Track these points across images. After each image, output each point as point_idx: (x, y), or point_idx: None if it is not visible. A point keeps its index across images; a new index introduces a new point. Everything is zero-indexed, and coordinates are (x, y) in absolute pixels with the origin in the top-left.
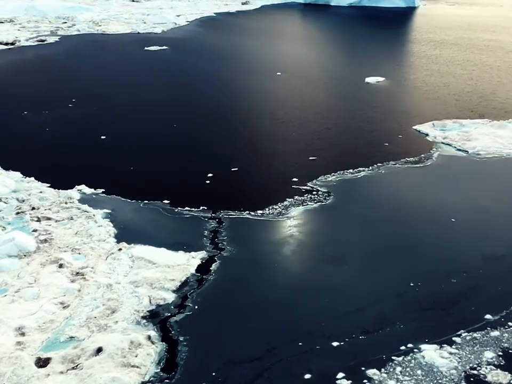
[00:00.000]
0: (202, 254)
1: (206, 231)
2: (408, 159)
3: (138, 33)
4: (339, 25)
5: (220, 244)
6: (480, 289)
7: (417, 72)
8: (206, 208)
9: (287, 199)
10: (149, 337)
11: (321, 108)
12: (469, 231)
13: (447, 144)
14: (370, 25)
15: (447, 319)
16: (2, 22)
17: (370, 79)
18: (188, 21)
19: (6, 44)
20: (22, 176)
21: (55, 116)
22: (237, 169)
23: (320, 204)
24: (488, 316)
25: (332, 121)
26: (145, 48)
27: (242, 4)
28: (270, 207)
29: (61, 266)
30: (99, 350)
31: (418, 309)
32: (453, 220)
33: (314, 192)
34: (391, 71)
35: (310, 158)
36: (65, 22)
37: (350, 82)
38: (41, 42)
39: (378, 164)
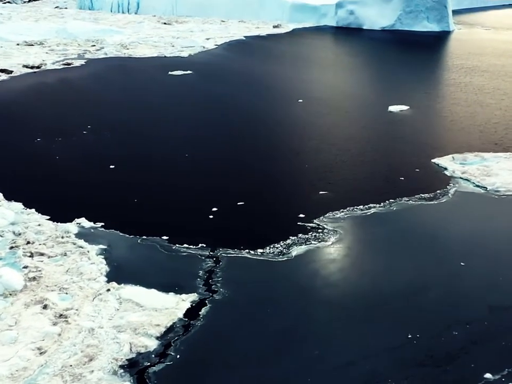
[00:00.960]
0: (193, 296)
1: (201, 271)
2: (422, 195)
3: (165, 56)
4: (369, 50)
5: (213, 286)
6: (483, 344)
7: (444, 100)
8: (205, 245)
9: (291, 237)
10: None
11: (339, 139)
12: (478, 277)
13: (466, 179)
14: (401, 50)
15: (443, 377)
16: (32, 45)
17: (393, 108)
18: (216, 45)
19: (32, 67)
20: (23, 207)
21: (67, 143)
22: (243, 203)
23: (323, 243)
24: (488, 375)
25: (348, 153)
26: (169, 72)
27: (274, 27)
28: (272, 246)
29: (45, 307)
30: None
31: (413, 364)
32: (462, 263)
33: (319, 230)
34: (417, 99)
35: (321, 192)
36: (94, 45)
37: (372, 111)
38: (66, 66)
39: (391, 200)
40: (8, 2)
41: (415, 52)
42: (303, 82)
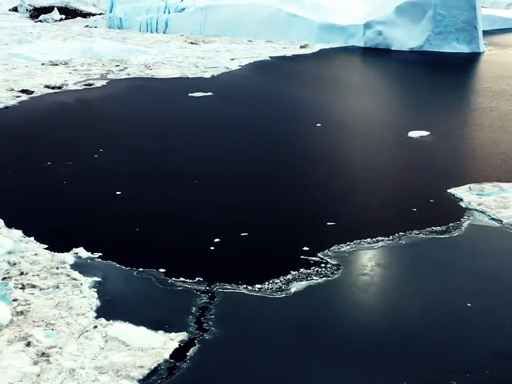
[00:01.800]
0: (182, 335)
1: (194, 307)
2: (434, 228)
3: (187, 77)
4: (396, 71)
5: (204, 324)
6: None
7: (467, 126)
8: (202, 279)
9: (292, 271)
10: None
11: (353, 165)
12: (483, 320)
13: (481, 211)
14: (428, 72)
15: None
16: (57, 65)
17: (413, 133)
18: (240, 65)
19: (53, 87)
20: (23, 235)
21: (77, 168)
22: (247, 234)
23: (325, 279)
24: None
25: (361, 182)
26: (189, 94)
27: (301, 47)
28: (271, 281)
29: (28, 344)
30: None
31: None
32: (468, 304)
33: (322, 265)
34: (439, 124)
35: (328, 223)
36: (118, 65)
37: (391, 136)
38: (88, 86)
39: (400, 233)
40: (40, 21)
41: (442, 74)
42: (324, 104)
